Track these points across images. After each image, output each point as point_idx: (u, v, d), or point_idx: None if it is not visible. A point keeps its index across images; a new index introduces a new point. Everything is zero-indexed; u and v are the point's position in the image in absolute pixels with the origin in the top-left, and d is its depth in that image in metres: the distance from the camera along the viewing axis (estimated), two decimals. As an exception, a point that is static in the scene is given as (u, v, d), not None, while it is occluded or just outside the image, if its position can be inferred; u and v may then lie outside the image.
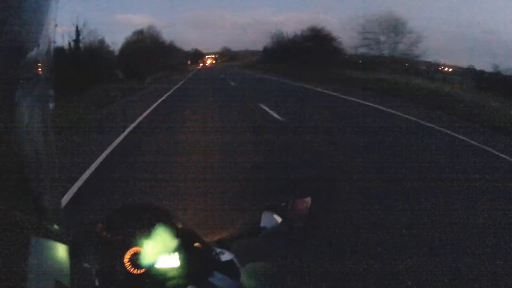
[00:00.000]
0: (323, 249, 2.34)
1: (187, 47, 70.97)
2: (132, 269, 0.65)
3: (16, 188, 0.37)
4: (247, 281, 0.69)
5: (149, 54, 26.21)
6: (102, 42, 22.28)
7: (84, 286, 0.68)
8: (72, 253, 0.65)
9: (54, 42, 0.43)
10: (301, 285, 2.02)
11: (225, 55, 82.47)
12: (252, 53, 65.11)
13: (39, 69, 0.40)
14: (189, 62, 54.51)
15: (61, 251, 0.43)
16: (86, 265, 0.66)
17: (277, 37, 38.18)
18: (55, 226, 0.43)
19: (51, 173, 0.43)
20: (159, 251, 0.66)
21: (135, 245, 0.66)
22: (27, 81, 0.39)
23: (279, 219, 0.82)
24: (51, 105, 0.43)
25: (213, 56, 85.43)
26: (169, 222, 0.71)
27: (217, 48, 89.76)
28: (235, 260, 0.74)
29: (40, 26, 0.40)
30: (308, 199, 0.86)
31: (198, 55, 73.76)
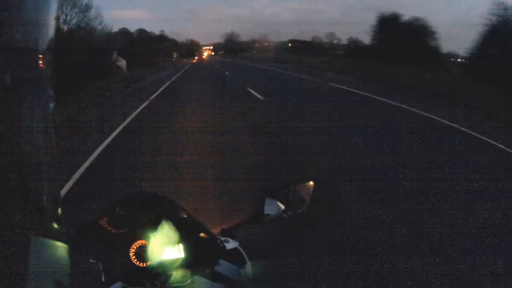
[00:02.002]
0: (323, 249, 2.34)
1: (182, 39, 60.08)
2: (137, 262, 0.65)
3: (16, 188, 0.37)
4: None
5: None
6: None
7: (84, 286, 0.68)
8: (75, 248, 0.65)
9: (54, 42, 0.43)
10: (301, 285, 2.02)
11: (228, 46, 65.35)
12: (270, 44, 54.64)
13: (40, 63, 0.40)
14: (175, 55, 39.91)
15: (61, 251, 0.43)
16: (91, 260, 0.65)
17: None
18: (55, 226, 0.43)
19: (51, 173, 0.43)
20: (164, 243, 0.66)
21: (140, 238, 0.66)
22: (27, 81, 0.39)
23: (282, 206, 0.81)
24: (51, 105, 0.43)
25: (210, 48, 69.83)
26: (173, 213, 0.71)
27: (216, 40, 75.00)
28: (240, 248, 0.73)
29: (40, 26, 0.40)
30: (311, 183, 0.85)
31: (194, 47, 59.09)
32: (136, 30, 38.48)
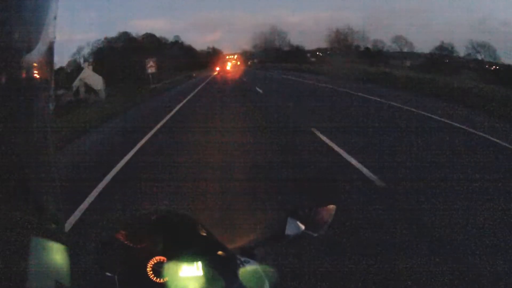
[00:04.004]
0: (323, 249, 2.34)
1: (202, 47, 44.00)
2: (154, 278, 0.64)
3: (16, 188, 0.37)
4: (247, 281, 0.69)
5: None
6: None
7: (84, 286, 0.67)
8: (95, 261, 0.65)
9: (54, 41, 0.43)
10: (301, 285, 2.01)
11: (268, 53, 40.82)
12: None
13: (35, 69, 0.40)
14: (150, 65, 19.60)
15: (61, 251, 0.43)
16: (108, 273, 0.65)
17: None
18: (55, 227, 0.43)
19: (51, 173, 0.43)
20: (183, 260, 0.65)
21: (158, 254, 0.66)
22: (27, 81, 0.39)
23: (302, 226, 0.80)
24: (51, 105, 0.43)
25: (235, 57, 43.45)
26: (193, 230, 0.70)
27: (243, 47, 48.73)
28: (260, 269, 0.72)
29: (40, 26, 0.40)
30: (332, 207, 0.85)
31: (217, 56, 41.37)
32: (143, 35, 32.62)
